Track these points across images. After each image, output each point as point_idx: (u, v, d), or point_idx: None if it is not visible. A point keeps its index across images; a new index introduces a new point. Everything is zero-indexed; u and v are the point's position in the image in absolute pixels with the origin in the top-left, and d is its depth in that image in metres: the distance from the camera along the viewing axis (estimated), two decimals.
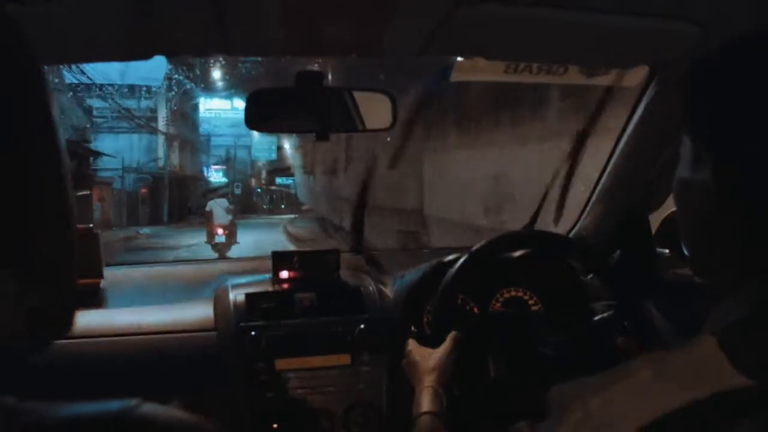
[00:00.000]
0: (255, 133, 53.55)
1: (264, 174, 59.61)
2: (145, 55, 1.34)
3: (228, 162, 48.12)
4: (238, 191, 45.09)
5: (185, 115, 39.61)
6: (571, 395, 0.71)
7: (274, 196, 56.10)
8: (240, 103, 51.04)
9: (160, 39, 1.29)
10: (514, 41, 1.37)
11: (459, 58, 1.63)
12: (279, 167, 59.95)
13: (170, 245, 18.80)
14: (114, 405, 0.56)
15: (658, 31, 1.31)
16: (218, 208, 15.67)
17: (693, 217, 0.77)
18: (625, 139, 1.82)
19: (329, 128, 1.65)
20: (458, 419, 1.66)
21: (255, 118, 1.59)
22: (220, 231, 15.36)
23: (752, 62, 0.69)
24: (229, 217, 15.73)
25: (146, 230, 24.46)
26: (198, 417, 0.58)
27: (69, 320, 0.56)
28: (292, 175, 59.91)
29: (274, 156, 55.91)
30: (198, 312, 1.84)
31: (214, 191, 19.74)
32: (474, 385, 1.64)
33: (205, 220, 16.26)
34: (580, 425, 0.68)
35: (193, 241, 18.04)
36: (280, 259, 1.93)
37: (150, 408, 0.56)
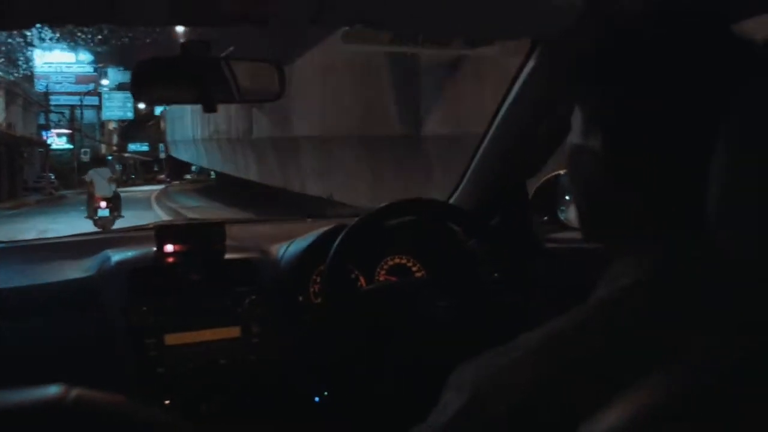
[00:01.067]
0: (105, 90, 49.40)
1: (116, 139, 56.80)
2: (25, 24, 1.33)
3: (72, 124, 45.16)
4: (85, 158, 41.70)
5: (12, 61, 36.27)
6: (462, 377, 0.72)
7: (129, 164, 54.03)
8: (87, 57, 46.82)
9: (41, 6, 1.27)
10: (399, 12, 1.41)
11: (347, 28, 1.70)
12: (134, 133, 56.27)
13: None
14: (42, 392, 0.56)
15: (541, 2, 1.37)
16: (99, 178, 14.97)
17: (585, 183, 0.79)
18: (504, 108, 1.91)
19: (215, 99, 1.68)
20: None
21: (141, 89, 1.63)
22: (102, 204, 14.74)
23: (643, 37, 0.73)
24: (112, 187, 15.08)
25: None
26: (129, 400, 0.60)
27: None
28: (148, 140, 56.76)
29: (130, 114, 52.31)
30: (80, 289, 1.84)
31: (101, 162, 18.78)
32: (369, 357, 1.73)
33: (87, 192, 15.59)
34: (461, 410, 0.69)
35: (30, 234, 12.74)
36: (164, 233, 1.93)
37: (81, 392, 0.57)
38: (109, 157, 44.62)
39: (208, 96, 1.68)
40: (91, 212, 15.00)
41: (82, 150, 45.07)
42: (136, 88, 1.64)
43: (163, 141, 44.10)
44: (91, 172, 15.41)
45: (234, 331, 1.87)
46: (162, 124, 44.03)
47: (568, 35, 1.45)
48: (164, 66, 1.67)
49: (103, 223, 14.40)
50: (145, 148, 60.03)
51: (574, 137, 0.80)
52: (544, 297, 1.83)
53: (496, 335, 0.85)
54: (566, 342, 0.67)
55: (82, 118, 47.00)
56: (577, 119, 0.79)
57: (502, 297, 1.82)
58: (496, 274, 1.88)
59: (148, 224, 2.18)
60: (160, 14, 1.41)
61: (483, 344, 0.75)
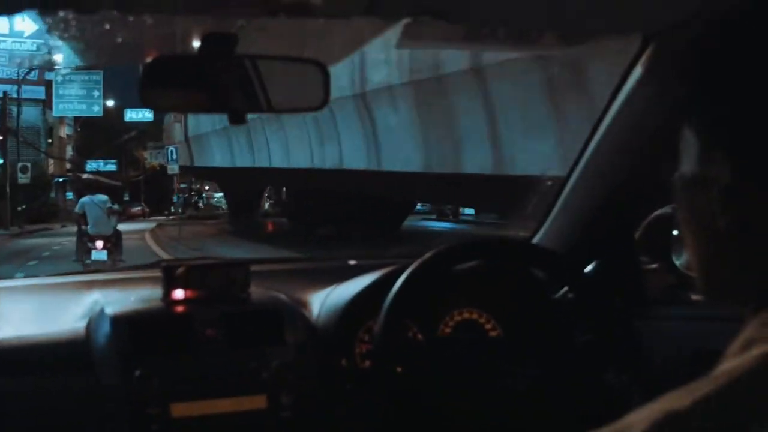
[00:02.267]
0: (61, 72, 38.44)
1: (70, 151, 49.67)
2: (16, 8, 1.32)
3: (4, 127, 33.85)
4: (24, 179, 33.73)
5: None
6: None
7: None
8: (30, 26, 36.75)
9: None
10: (482, 1, 1.36)
11: (409, 21, 1.61)
12: (97, 143, 49.85)
13: None
14: None
15: None
16: (95, 209, 13.03)
17: (703, 224, 0.74)
18: (604, 125, 1.82)
19: (244, 107, 1.63)
20: None
21: (152, 93, 1.60)
22: (99, 244, 12.71)
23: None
24: (113, 222, 13.36)
25: None
26: None
27: None
28: (117, 156, 51.34)
29: (97, 110, 41.22)
30: (66, 344, 1.76)
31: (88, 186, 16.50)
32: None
33: (76, 229, 13.82)
34: None
35: None
36: (173, 274, 1.85)
37: None
38: (59, 180, 38.96)
39: (232, 104, 1.63)
40: (82, 254, 13.13)
41: (20, 166, 34.82)
42: (146, 93, 1.60)
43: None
44: (84, 201, 13.43)
45: (259, 402, 1.76)
46: (171, 134, 41.31)
47: (687, 29, 1.39)
48: (180, 65, 1.65)
49: (97, 271, 12.35)
50: (111, 167, 50.31)
51: (687, 165, 0.75)
52: (653, 369, 1.75)
53: (588, 417, 0.77)
54: (686, 425, 0.62)
55: (19, 118, 36.02)
56: (691, 142, 0.75)
57: (598, 367, 1.73)
58: (592, 337, 1.78)
59: (153, 262, 2.06)
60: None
61: (571, 427, 0.73)
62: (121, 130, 50.80)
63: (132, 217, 40.23)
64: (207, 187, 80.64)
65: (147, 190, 53.88)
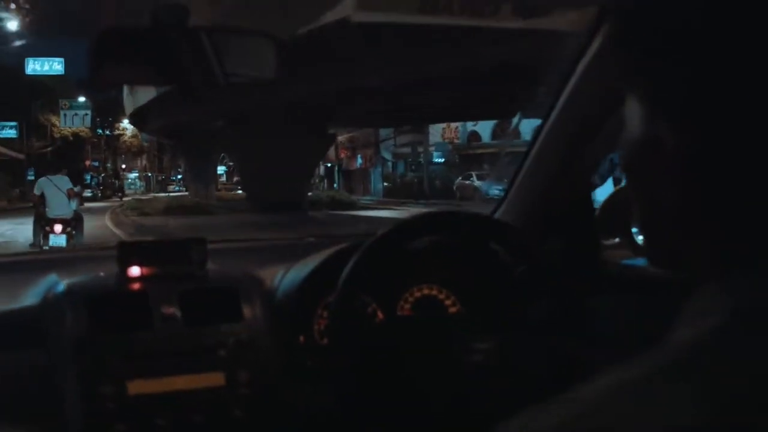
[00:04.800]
0: None
1: None
2: None
3: None
4: None
5: None
6: None
7: None
8: None
9: None
10: None
11: None
12: None
13: None
14: None
15: None
16: (54, 190, 12.58)
17: (651, 192, 0.74)
18: (562, 98, 1.86)
19: (194, 79, 1.64)
20: None
21: (102, 65, 1.60)
22: (58, 228, 12.21)
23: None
24: (73, 205, 12.83)
25: None
26: None
27: None
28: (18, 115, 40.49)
29: None
30: (19, 321, 1.78)
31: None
32: (387, 414, 1.69)
33: (34, 210, 13.28)
34: None
35: None
36: (129, 252, 1.86)
37: None
38: None
39: (184, 77, 1.66)
40: (39, 239, 12.65)
41: None
42: (96, 67, 1.62)
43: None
44: (42, 181, 13.06)
45: (216, 379, 1.78)
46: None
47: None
48: (130, 39, 1.64)
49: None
50: (10, 133, 42.50)
51: (633, 131, 0.73)
52: (609, 340, 1.80)
53: (546, 387, 0.82)
54: (637, 395, 0.61)
55: None
56: (638, 107, 0.73)
57: (556, 340, 1.78)
58: (549, 311, 1.82)
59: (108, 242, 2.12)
60: None
61: (529, 398, 0.70)
62: (22, 86, 40.61)
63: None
64: (123, 166, 77.45)
65: (55, 166, 44.27)
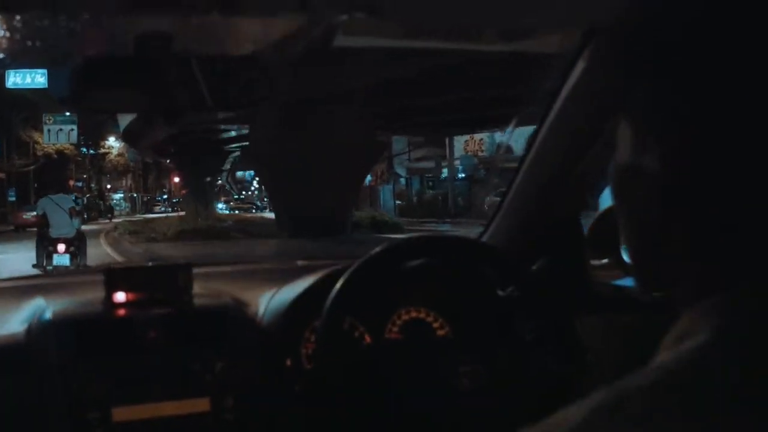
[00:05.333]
0: None
1: None
2: None
3: None
4: None
5: None
6: None
7: None
8: None
9: None
10: None
11: (345, 17, 1.64)
12: None
13: None
14: None
15: None
16: (56, 209, 12.54)
17: (636, 215, 0.76)
18: (548, 122, 1.86)
19: (179, 106, 1.67)
20: None
21: (84, 93, 1.60)
22: (61, 248, 12.27)
23: (713, 21, 0.68)
24: (75, 224, 12.78)
25: None
26: None
27: None
28: None
29: None
30: (5, 347, 1.77)
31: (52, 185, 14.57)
32: None
33: (36, 230, 13.34)
34: None
35: None
36: (114, 277, 1.87)
37: None
38: None
39: (168, 103, 1.69)
40: (42, 259, 12.63)
41: None
42: (78, 94, 1.62)
43: None
44: (43, 202, 12.99)
45: (202, 404, 1.78)
46: None
47: (628, 20, 1.39)
48: (114, 66, 1.64)
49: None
50: None
51: (621, 155, 0.75)
52: (599, 361, 1.79)
53: (534, 409, 0.81)
54: (617, 419, 0.62)
55: None
56: (625, 131, 0.75)
57: (545, 364, 1.77)
58: (538, 334, 1.82)
59: (95, 266, 2.11)
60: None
61: (518, 420, 0.72)
62: (2, 100, 37.95)
63: (25, 226, 31.52)
64: (109, 186, 73.21)
65: (39, 186, 38.60)
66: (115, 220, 44.81)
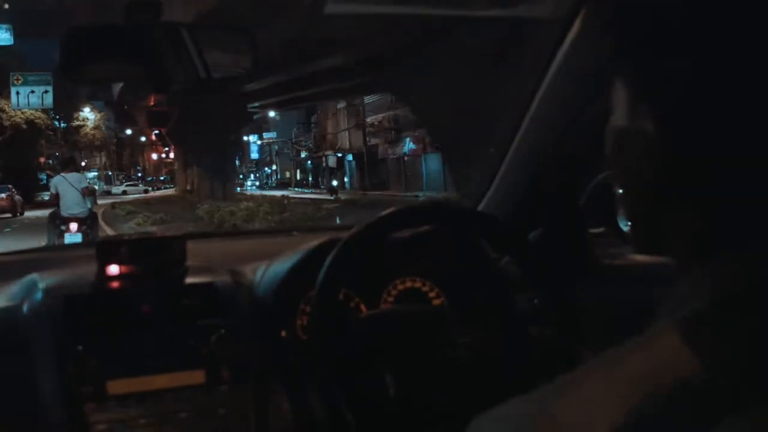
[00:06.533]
0: None
1: None
2: None
3: None
4: None
5: None
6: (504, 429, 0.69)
7: None
8: None
9: None
10: None
11: None
12: None
13: None
14: None
15: None
16: (69, 188, 12.45)
17: (632, 180, 0.76)
18: (543, 88, 1.87)
19: (169, 75, 1.65)
20: None
21: (73, 62, 1.59)
22: (74, 227, 12.19)
23: None
24: (88, 203, 12.74)
25: None
26: None
27: None
28: None
29: None
30: None
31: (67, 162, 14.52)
32: (371, 410, 1.68)
33: (49, 209, 13.18)
34: None
35: None
36: (108, 250, 1.87)
37: None
38: None
39: (162, 72, 1.65)
40: (54, 237, 12.48)
41: None
42: (68, 64, 1.61)
43: None
44: (56, 180, 12.93)
45: (197, 377, 1.79)
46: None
47: None
48: (103, 34, 1.64)
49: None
50: None
51: (617, 119, 0.75)
52: (596, 331, 1.78)
53: (530, 379, 0.84)
54: (614, 385, 0.63)
55: None
56: (621, 93, 0.74)
57: (541, 331, 1.78)
58: (535, 302, 1.83)
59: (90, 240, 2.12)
60: None
61: (513, 391, 0.72)
62: None
63: None
64: (84, 163, 64.30)
65: (4, 162, 38.65)
66: (100, 202, 39.32)
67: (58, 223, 12.45)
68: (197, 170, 39.43)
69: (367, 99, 43.55)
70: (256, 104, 36.86)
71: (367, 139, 45.92)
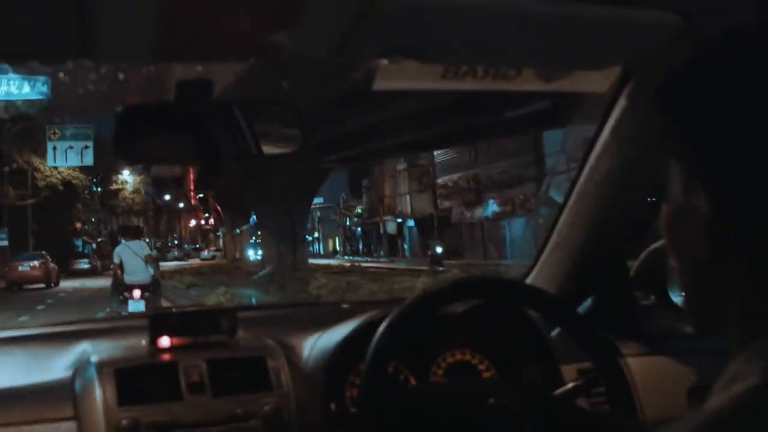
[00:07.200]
0: None
1: None
2: None
3: None
4: None
5: None
6: None
7: None
8: None
9: (4, 42, 1.29)
10: (454, 39, 1.40)
11: (384, 61, 1.66)
12: None
13: None
14: None
15: (631, 21, 1.34)
16: (132, 255, 12.67)
17: (688, 255, 0.76)
18: (591, 161, 1.87)
19: (219, 154, 1.67)
20: None
21: (124, 144, 1.61)
22: (137, 294, 12.22)
23: (751, 60, 0.69)
24: (151, 270, 12.90)
25: None
26: None
27: None
28: None
29: None
30: (50, 395, 1.80)
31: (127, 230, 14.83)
32: None
33: (112, 277, 13.38)
34: None
35: None
36: (159, 322, 1.90)
37: None
38: None
39: (216, 149, 1.67)
40: (117, 304, 12.62)
41: None
42: (120, 144, 1.62)
43: None
44: (119, 249, 13.01)
45: None
46: None
47: (665, 60, 1.42)
48: (154, 113, 1.67)
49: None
50: None
51: (672, 196, 0.76)
52: (649, 405, 1.77)
53: None
54: None
55: None
56: (675, 172, 0.76)
57: (592, 404, 1.78)
58: (585, 374, 1.80)
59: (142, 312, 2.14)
60: (149, 48, 1.41)
61: None
62: None
63: (21, 282, 26.26)
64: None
65: (38, 227, 34.81)
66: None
67: (121, 290, 12.50)
68: (265, 234, 34.65)
69: (438, 158, 41.16)
70: (333, 157, 32.86)
71: (438, 201, 42.27)
